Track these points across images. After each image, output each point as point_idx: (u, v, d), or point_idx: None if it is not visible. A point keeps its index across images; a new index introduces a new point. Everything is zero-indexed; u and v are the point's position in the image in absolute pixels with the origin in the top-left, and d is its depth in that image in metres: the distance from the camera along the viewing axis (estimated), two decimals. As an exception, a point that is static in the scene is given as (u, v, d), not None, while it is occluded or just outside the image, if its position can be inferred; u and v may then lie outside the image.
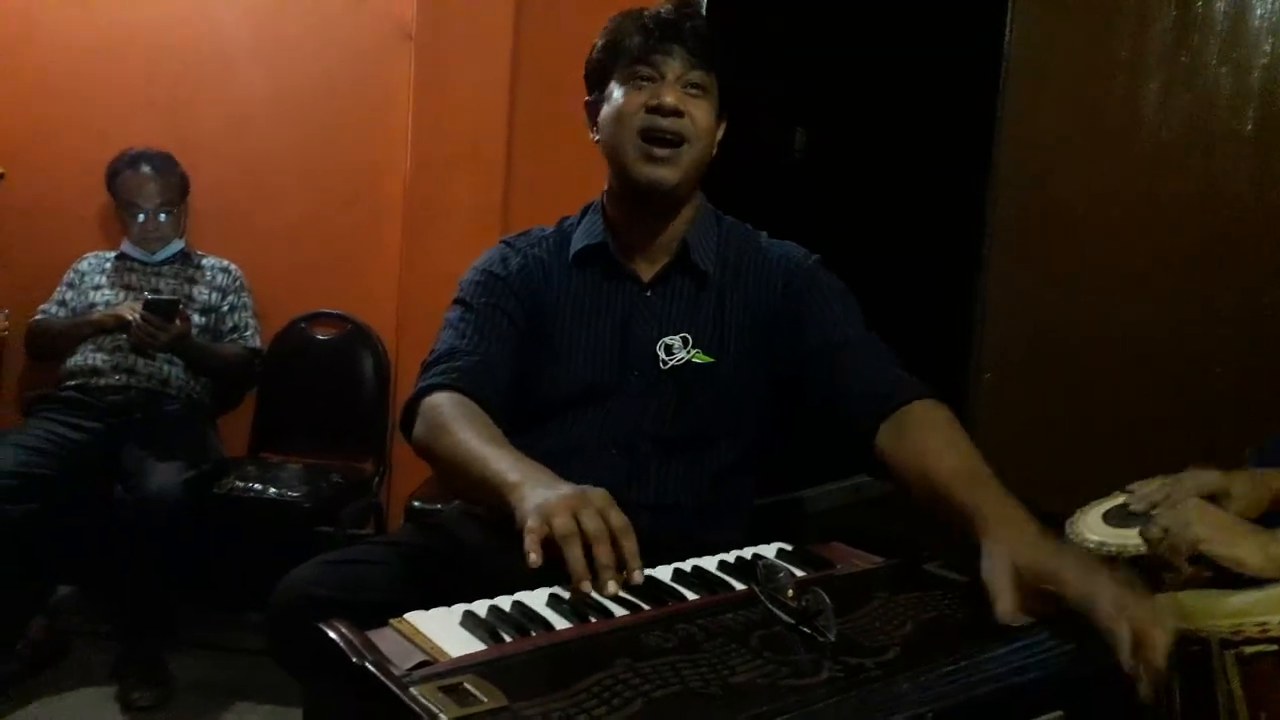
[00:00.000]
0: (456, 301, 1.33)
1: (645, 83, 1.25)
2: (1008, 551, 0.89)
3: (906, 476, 1.10)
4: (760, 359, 1.31)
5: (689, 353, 1.28)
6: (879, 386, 1.18)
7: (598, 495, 0.94)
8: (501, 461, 1.04)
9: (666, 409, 1.28)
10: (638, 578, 0.90)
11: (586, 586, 0.88)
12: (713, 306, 1.31)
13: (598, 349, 1.29)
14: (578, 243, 1.34)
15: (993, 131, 2.58)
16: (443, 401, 1.18)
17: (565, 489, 0.95)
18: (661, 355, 1.28)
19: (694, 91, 1.25)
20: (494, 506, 1.03)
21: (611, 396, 1.28)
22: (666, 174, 1.24)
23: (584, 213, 1.39)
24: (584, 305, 1.31)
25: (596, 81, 1.32)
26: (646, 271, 1.33)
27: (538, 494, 0.95)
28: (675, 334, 1.29)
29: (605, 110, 1.28)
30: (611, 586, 0.88)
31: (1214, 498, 1.23)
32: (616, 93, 1.27)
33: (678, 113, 1.23)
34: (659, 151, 1.23)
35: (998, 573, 0.87)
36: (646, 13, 1.27)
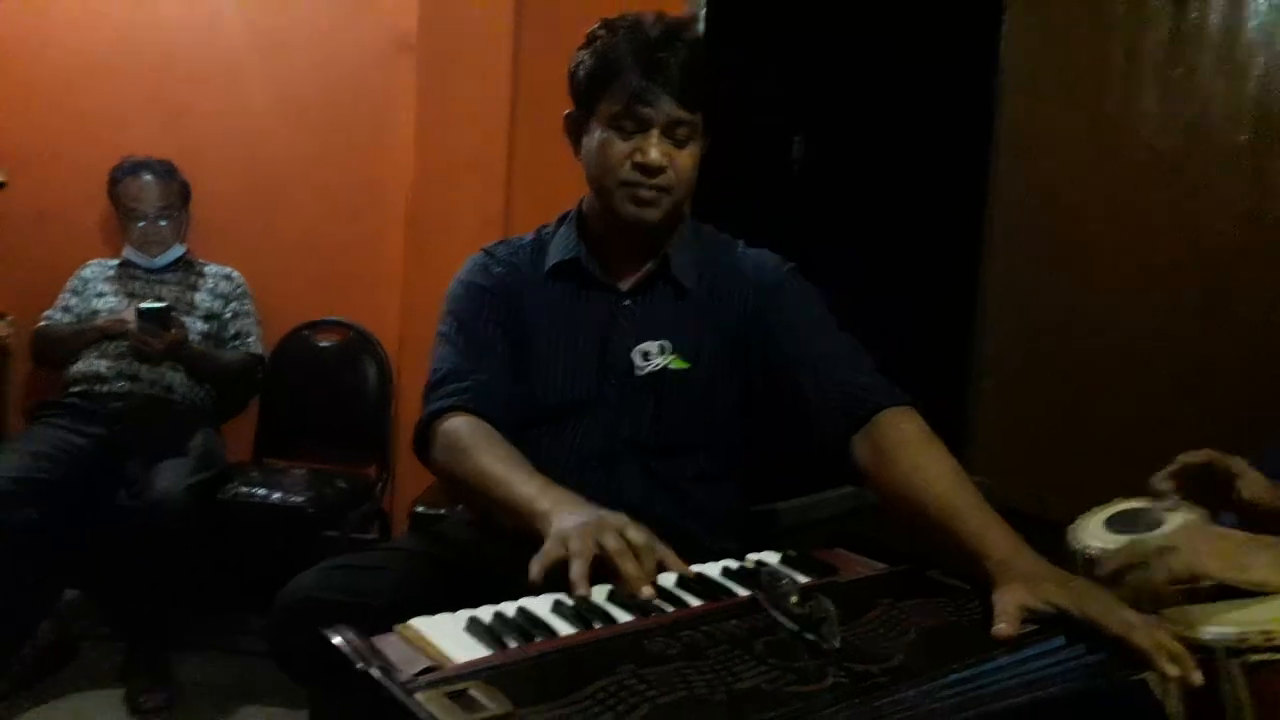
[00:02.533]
0: (449, 314, 1.32)
1: (631, 131, 1.21)
2: (1023, 585, 0.89)
3: (892, 499, 1.10)
4: (735, 370, 1.30)
5: (666, 359, 1.28)
6: (845, 398, 1.18)
7: (615, 517, 0.97)
8: (530, 486, 1.07)
9: (644, 417, 1.27)
10: (647, 592, 0.91)
11: (583, 591, 0.90)
12: (690, 316, 1.30)
13: (576, 360, 1.29)
14: (553, 257, 1.33)
15: (990, 141, 2.58)
16: (459, 425, 1.19)
17: (589, 514, 0.98)
18: (638, 361, 1.28)
19: (680, 137, 1.22)
20: (520, 530, 1.05)
21: (590, 407, 1.28)
22: (649, 214, 1.24)
23: (560, 222, 1.38)
24: (561, 317, 1.31)
25: (580, 100, 1.28)
26: (625, 281, 1.32)
27: (564, 519, 0.98)
28: (653, 340, 1.29)
29: (589, 144, 1.26)
30: (647, 590, 0.90)
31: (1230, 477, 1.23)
32: (600, 133, 1.23)
33: (661, 170, 1.22)
34: (644, 194, 1.23)
35: (1007, 600, 0.88)
36: (639, 38, 1.21)
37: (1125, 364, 2.31)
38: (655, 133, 1.21)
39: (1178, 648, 0.83)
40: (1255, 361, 2.08)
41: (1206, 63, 2.18)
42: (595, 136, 1.25)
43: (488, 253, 1.37)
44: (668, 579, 1.00)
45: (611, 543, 0.93)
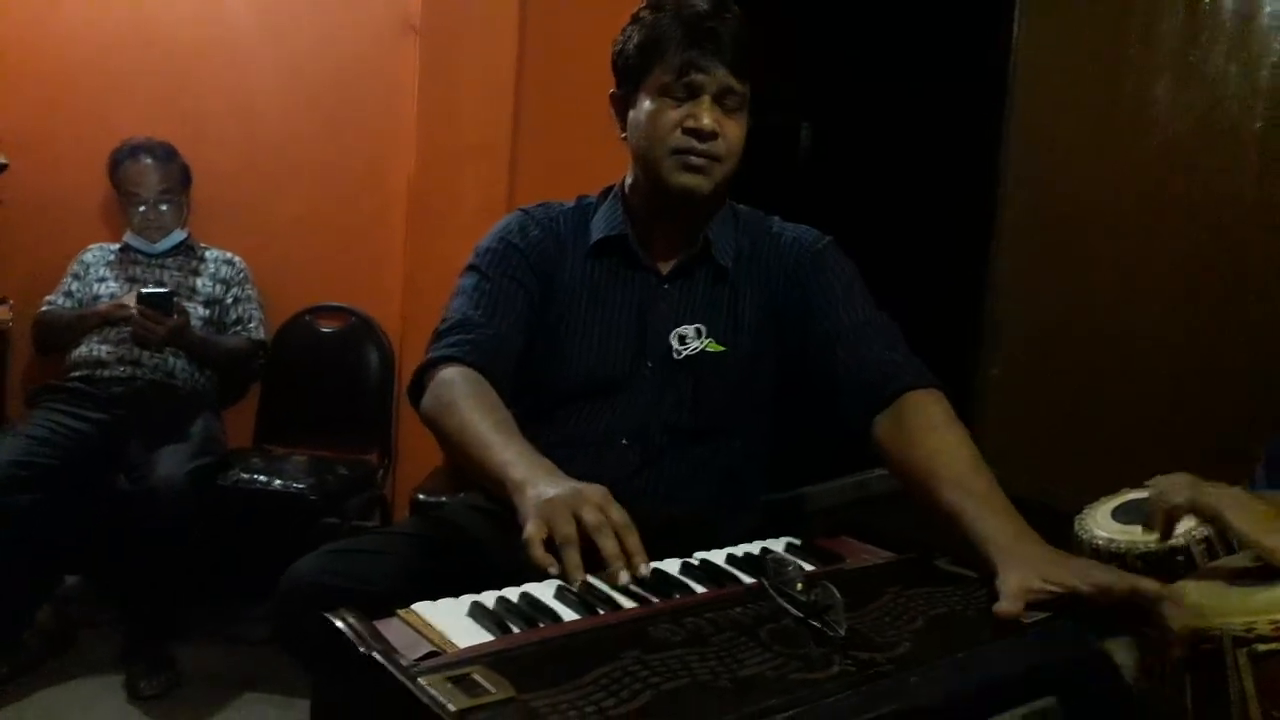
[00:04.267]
0: (472, 268, 1.31)
1: (682, 97, 1.22)
2: (1026, 568, 0.89)
3: (908, 480, 1.10)
4: (773, 349, 1.31)
5: (702, 342, 1.28)
6: (874, 374, 1.19)
7: (595, 492, 0.94)
8: (507, 452, 1.04)
9: (682, 399, 1.28)
10: (644, 570, 0.89)
11: (577, 579, 0.87)
12: (728, 298, 1.31)
13: (613, 338, 1.29)
14: (597, 232, 1.33)
15: (1001, 128, 2.56)
16: (454, 377, 1.16)
17: (565, 487, 0.94)
18: (675, 345, 1.28)
19: (730, 106, 1.23)
20: (495, 492, 1.03)
21: (625, 386, 1.28)
22: (701, 182, 1.23)
23: (604, 196, 1.37)
24: (600, 294, 1.31)
25: (628, 78, 1.27)
26: (665, 264, 1.32)
27: (539, 493, 0.94)
28: (689, 324, 1.29)
29: (637, 116, 1.25)
30: (623, 576, 0.87)
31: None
32: (650, 103, 1.23)
33: (714, 135, 1.22)
34: (695, 160, 1.22)
35: (1011, 581, 0.88)
36: (685, 12, 1.22)
37: (1133, 355, 2.30)
38: (707, 99, 1.21)
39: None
40: (1264, 356, 2.07)
41: (1220, 51, 2.16)
42: (644, 107, 1.24)
43: (526, 213, 1.36)
44: (672, 564, 1.00)
45: (591, 517, 0.90)
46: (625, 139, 1.30)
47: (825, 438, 1.29)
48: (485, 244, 1.33)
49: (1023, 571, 0.89)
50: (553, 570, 0.88)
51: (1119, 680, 0.83)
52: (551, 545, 0.90)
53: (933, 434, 1.10)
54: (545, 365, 1.29)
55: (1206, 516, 1.02)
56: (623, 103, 1.29)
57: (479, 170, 2.54)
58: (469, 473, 1.12)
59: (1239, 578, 1.00)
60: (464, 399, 1.13)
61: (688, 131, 1.21)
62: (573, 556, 0.88)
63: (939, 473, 1.05)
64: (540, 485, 0.96)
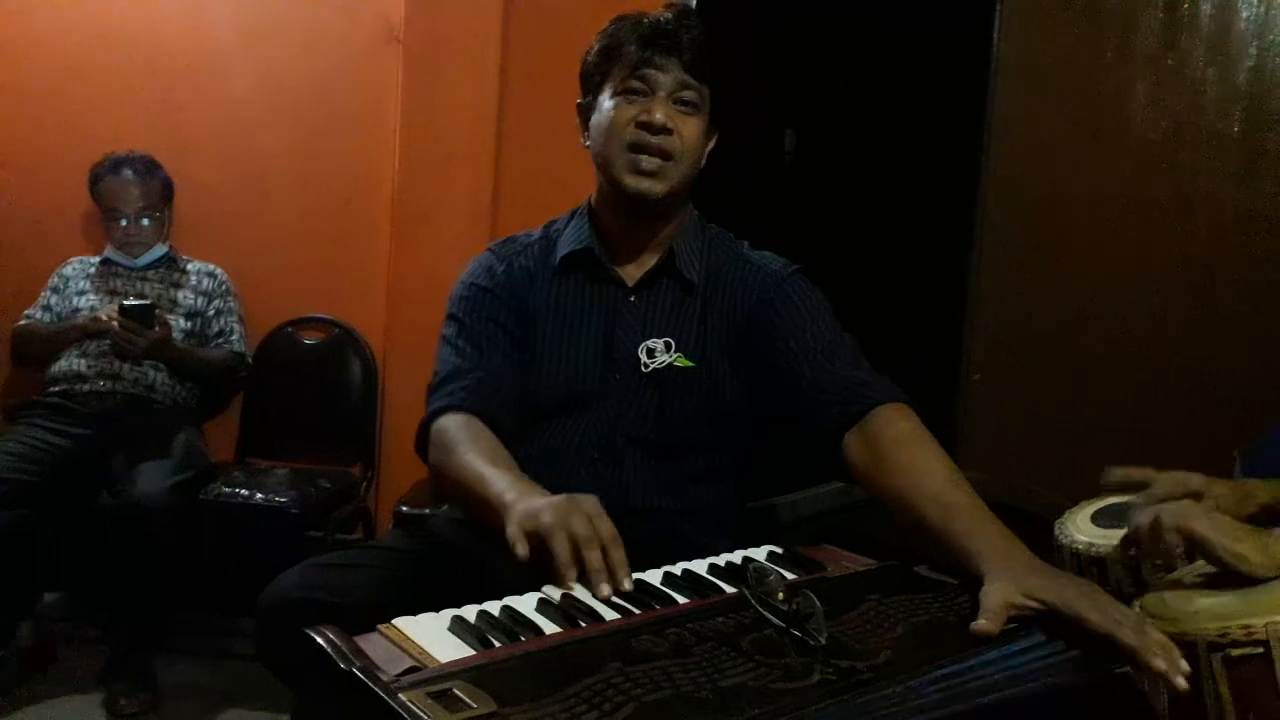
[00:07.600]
0: (450, 318, 1.33)
1: (637, 96, 1.24)
2: (1012, 584, 0.88)
3: (884, 496, 1.10)
4: (740, 367, 1.31)
5: (671, 356, 1.29)
6: (841, 391, 1.19)
7: (588, 502, 0.96)
8: (500, 481, 1.05)
9: (647, 412, 1.28)
10: (627, 585, 0.91)
11: (572, 576, 0.90)
12: (696, 313, 1.31)
13: (581, 353, 1.29)
14: (564, 247, 1.34)
15: (982, 133, 2.59)
16: (450, 424, 1.19)
17: (556, 498, 0.97)
18: (643, 358, 1.29)
19: (685, 108, 1.25)
20: (495, 526, 1.03)
21: (594, 400, 1.28)
22: (652, 186, 1.24)
23: (571, 216, 1.38)
24: (568, 310, 1.32)
25: (590, 86, 1.31)
26: (631, 276, 1.33)
27: (529, 505, 0.97)
28: (659, 338, 1.29)
29: (596, 119, 1.28)
30: (605, 589, 0.89)
31: (1195, 499, 1.23)
32: (608, 103, 1.26)
33: (666, 130, 1.23)
34: (646, 164, 1.24)
35: (994, 597, 0.87)
36: (645, 20, 1.26)
37: (1114, 358, 2.32)
38: (661, 95, 1.24)
39: (1166, 641, 0.82)
40: (1244, 354, 2.09)
41: (1198, 55, 2.18)
42: (603, 108, 1.27)
43: (492, 252, 1.38)
44: (654, 575, 1.00)
45: (581, 529, 0.92)
46: (588, 147, 1.32)
47: (791, 458, 1.30)
48: (457, 292, 1.35)
49: (1006, 585, 0.88)
50: (520, 550, 0.91)
51: (1144, 706, 0.83)
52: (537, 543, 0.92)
53: (906, 449, 1.10)
54: (524, 383, 1.29)
55: (1175, 536, 1.03)
56: (586, 111, 1.32)
57: (463, 180, 2.54)
58: (471, 515, 1.14)
59: (1214, 583, 1.01)
60: (459, 443, 1.15)
61: (641, 126, 1.23)
62: (562, 543, 0.90)
63: (920, 487, 1.04)
64: (532, 501, 0.98)
